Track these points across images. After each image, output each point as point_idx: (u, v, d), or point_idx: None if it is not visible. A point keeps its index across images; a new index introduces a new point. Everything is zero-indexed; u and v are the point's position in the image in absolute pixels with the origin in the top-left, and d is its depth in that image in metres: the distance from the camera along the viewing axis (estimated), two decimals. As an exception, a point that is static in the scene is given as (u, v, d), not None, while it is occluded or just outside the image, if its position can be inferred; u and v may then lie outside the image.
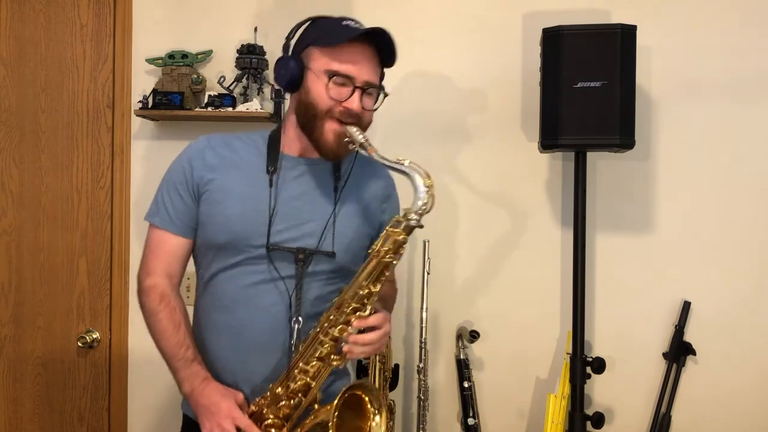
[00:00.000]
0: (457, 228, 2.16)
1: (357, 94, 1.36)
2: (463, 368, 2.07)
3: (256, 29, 2.15)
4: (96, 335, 2.24)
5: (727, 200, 2.07)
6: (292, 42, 1.43)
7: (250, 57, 2.10)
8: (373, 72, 1.39)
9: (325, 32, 1.39)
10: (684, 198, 2.09)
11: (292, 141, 1.46)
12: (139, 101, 2.14)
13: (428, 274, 1.97)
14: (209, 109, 2.09)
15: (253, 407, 1.36)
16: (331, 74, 1.36)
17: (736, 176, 2.07)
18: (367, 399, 1.34)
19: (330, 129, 1.37)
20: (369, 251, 1.33)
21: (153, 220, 1.47)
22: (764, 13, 2.06)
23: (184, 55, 2.15)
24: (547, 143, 1.92)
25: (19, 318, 2.27)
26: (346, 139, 1.35)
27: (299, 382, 1.33)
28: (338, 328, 1.31)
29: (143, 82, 2.22)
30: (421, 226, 1.30)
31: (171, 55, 2.15)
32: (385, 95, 1.43)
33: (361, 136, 1.34)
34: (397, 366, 2.04)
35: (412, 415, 2.13)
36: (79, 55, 2.25)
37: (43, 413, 2.27)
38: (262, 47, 2.12)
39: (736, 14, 2.07)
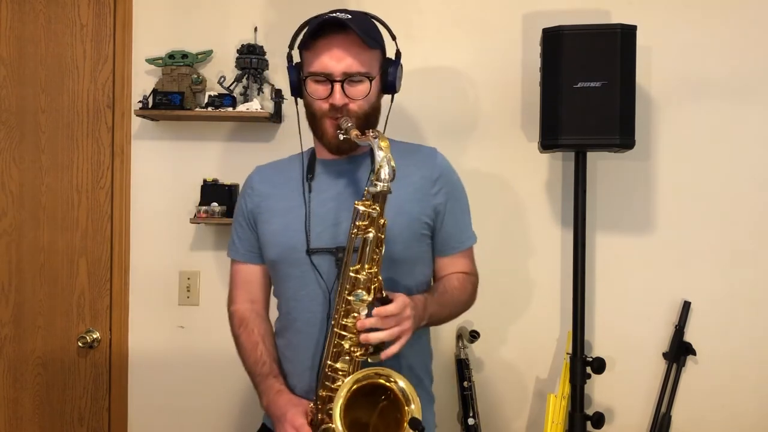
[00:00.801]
0: (457, 228, 2.16)
1: (337, 87, 1.35)
2: (463, 368, 2.07)
3: (256, 29, 2.15)
4: (96, 335, 2.24)
5: (727, 200, 2.07)
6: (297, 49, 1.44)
7: (250, 57, 2.10)
8: (352, 59, 1.36)
9: (306, 33, 1.39)
10: (684, 198, 2.09)
11: (319, 146, 1.48)
12: (139, 101, 2.14)
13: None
14: (209, 109, 2.09)
15: (310, 414, 1.34)
16: (307, 76, 1.39)
17: (736, 176, 2.07)
18: (387, 385, 1.27)
19: (328, 126, 1.39)
20: (351, 232, 1.30)
21: (229, 254, 1.58)
22: (764, 13, 2.06)
23: (184, 55, 2.15)
24: (547, 143, 1.92)
25: (19, 318, 2.27)
26: (338, 130, 1.36)
27: (337, 382, 1.30)
28: (349, 319, 1.28)
29: (143, 82, 2.22)
30: (388, 191, 1.26)
31: (171, 55, 2.15)
32: (371, 79, 1.39)
33: (347, 124, 1.35)
34: (397, 366, 2.03)
35: (412, 415, 2.13)
36: (79, 55, 2.25)
37: (43, 413, 2.27)
38: (262, 47, 2.12)
39: (736, 14, 2.07)
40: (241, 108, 2.09)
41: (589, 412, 1.97)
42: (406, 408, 1.24)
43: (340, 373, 1.29)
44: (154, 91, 2.13)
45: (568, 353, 1.99)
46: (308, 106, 1.43)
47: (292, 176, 1.49)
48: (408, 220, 1.41)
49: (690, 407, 2.07)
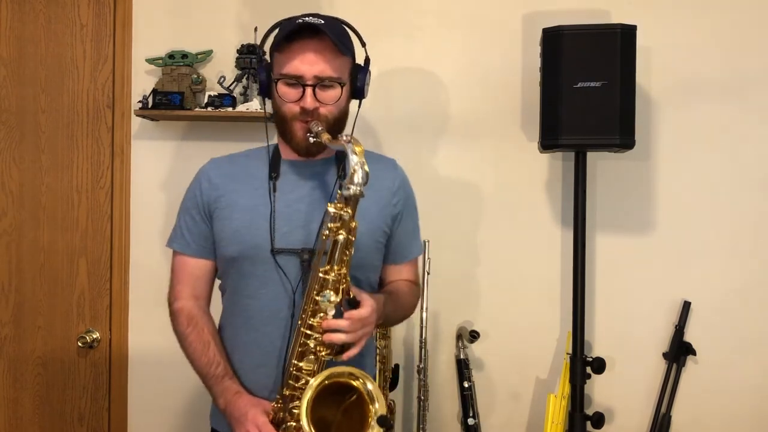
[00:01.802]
0: (457, 228, 2.16)
1: (308, 91, 1.37)
2: (463, 368, 2.07)
3: (256, 29, 2.15)
4: (96, 335, 2.24)
5: (726, 200, 2.07)
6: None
7: (250, 57, 2.10)
8: (324, 64, 1.37)
9: (279, 35, 1.41)
10: (684, 198, 2.09)
11: (285, 146, 1.49)
12: (139, 101, 2.14)
13: (428, 274, 1.97)
14: (209, 109, 2.09)
15: (272, 413, 1.35)
16: (278, 78, 1.39)
17: (735, 176, 2.07)
18: (353, 384, 1.31)
19: (297, 129, 1.40)
20: (323, 234, 1.31)
21: (172, 246, 1.53)
22: (764, 13, 2.06)
23: (184, 55, 2.15)
24: (547, 143, 1.92)
25: (19, 318, 2.27)
26: (308, 133, 1.38)
27: (301, 381, 1.32)
28: (316, 318, 1.30)
29: (143, 82, 2.22)
30: (361, 195, 1.28)
31: (171, 55, 2.15)
32: (342, 85, 1.40)
33: (317, 127, 1.36)
34: (397, 366, 2.04)
35: (412, 415, 2.13)
36: (79, 55, 2.25)
37: (43, 413, 2.27)
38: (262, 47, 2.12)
39: (736, 14, 2.07)
40: (241, 108, 2.09)
41: (589, 412, 1.97)
42: (371, 407, 1.28)
43: (305, 371, 1.31)
44: (154, 91, 2.13)
45: (568, 353, 1.99)
46: (277, 108, 1.43)
47: (253, 173, 1.48)
48: (370, 229, 1.44)
49: (690, 407, 2.07)
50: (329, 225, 1.30)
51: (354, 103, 1.50)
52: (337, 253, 1.29)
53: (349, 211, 1.29)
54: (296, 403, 1.31)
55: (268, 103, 1.49)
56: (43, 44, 2.25)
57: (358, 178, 1.26)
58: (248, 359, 1.44)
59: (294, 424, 1.32)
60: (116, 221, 2.24)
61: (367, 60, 1.49)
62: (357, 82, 1.46)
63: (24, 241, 2.26)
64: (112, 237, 2.25)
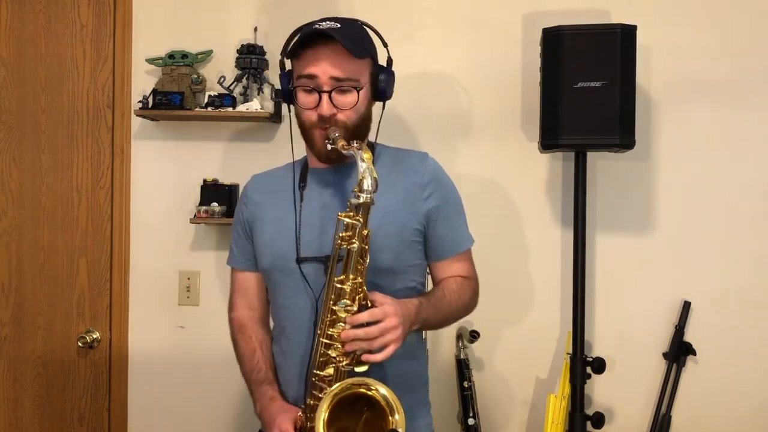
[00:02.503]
0: (457, 228, 2.15)
1: (324, 98, 1.35)
2: (463, 368, 2.07)
3: (256, 29, 2.15)
4: (96, 335, 2.24)
5: (726, 200, 2.07)
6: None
7: (250, 57, 2.10)
8: (338, 68, 1.35)
9: (294, 42, 1.39)
10: (684, 198, 2.09)
11: (310, 154, 1.49)
12: (139, 101, 2.14)
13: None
14: (209, 109, 2.10)
15: (299, 421, 1.35)
16: (295, 86, 1.39)
17: (735, 176, 2.07)
18: (372, 395, 1.28)
19: (317, 137, 1.40)
20: (335, 243, 1.30)
21: (228, 262, 1.60)
22: (764, 13, 2.06)
23: (184, 55, 2.15)
24: (547, 143, 1.92)
25: (19, 318, 2.27)
26: (326, 140, 1.36)
27: (323, 391, 1.30)
28: (335, 329, 1.28)
29: (143, 82, 2.22)
30: (371, 203, 1.27)
31: (171, 55, 2.15)
32: (359, 89, 1.37)
33: (334, 134, 1.35)
34: (397, 366, 2.03)
35: (412, 415, 2.13)
36: (79, 55, 2.25)
37: (43, 413, 2.27)
38: (262, 47, 2.12)
39: (736, 14, 2.07)
40: (241, 108, 2.09)
41: (589, 412, 1.97)
42: (391, 418, 1.25)
43: (326, 381, 1.30)
44: (154, 91, 2.13)
45: (568, 353, 1.99)
46: (298, 116, 1.43)
47: (284, 184, 1.50)
48: (397, 228, 1.41)
49: (690, 407, 2.07)
50: (341, 234, 1.29)
51: (378, 104, 1.48)
52: (352, 262, 1.28)
53: (360, 219, 1.27)
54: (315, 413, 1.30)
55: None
56: (43, 44, 2.25)
57: (366, 185, 1.26)
58: (287, 369, 1.45)
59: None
60: (116, 221, 2.24)
61: (389, 61, 1.47)
62: (379, 84, 1.44)
63: (24, 241, 2.26)
64: (112, 237, 2.24)
